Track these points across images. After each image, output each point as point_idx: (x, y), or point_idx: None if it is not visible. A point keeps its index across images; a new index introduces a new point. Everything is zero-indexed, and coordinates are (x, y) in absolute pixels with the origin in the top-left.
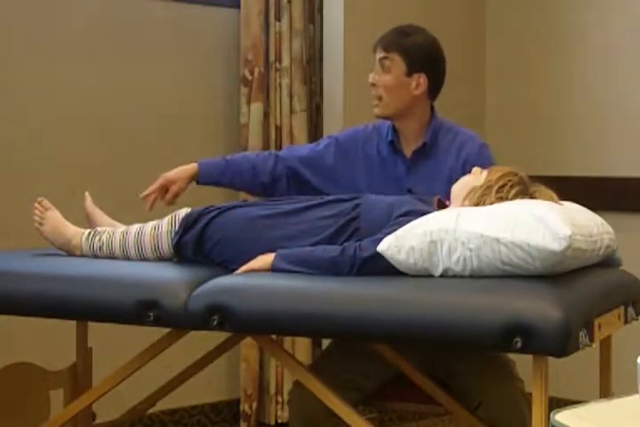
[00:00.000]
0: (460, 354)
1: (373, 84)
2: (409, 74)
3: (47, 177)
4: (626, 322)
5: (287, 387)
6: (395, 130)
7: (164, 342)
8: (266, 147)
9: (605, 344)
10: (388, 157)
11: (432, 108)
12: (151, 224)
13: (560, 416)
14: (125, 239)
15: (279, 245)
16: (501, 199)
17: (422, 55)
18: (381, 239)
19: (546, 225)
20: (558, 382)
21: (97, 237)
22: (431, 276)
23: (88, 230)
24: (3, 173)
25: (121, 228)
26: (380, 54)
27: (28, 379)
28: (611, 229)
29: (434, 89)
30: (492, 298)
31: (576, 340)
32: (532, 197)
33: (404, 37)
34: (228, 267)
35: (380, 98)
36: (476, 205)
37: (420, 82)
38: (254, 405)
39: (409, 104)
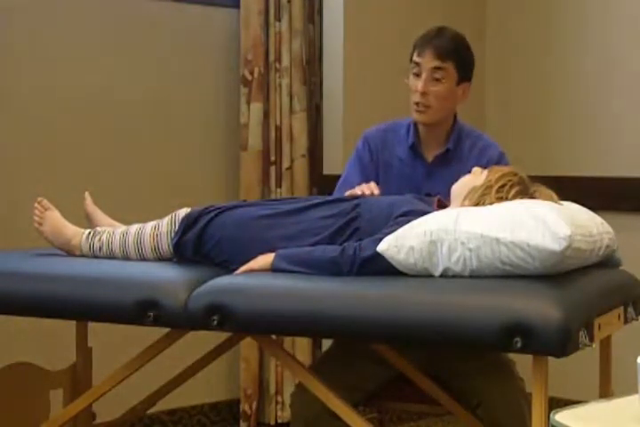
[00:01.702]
0: (460, 353)
1: (424, 93)
2: (458, 83)
3: (47, 177)
4: (626, 322)
5: (287, 387)
6: (416, 133)
7: (164, 342)
8: (265, 147)
9: (605, 344)
10: (407, 160)
11: (454, 114)
12: (151, 224)
13: (560, 416)
14: (125, 239)
15: (279, 245)
16: (501, 199)
17: (470, 63)
18: (381, 239)
19: (546, 225)
20: (558, 381)
21: (97, 237)
22: (431, 276)
23: (88, 230)
24: (3, 173)
25: (121, 228)
26: (432, 63)
27: (28, 379)
28: (610, 229)
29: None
30: (492, 298)
31: (576, 340)
32: (531, 196)
33: (456, 45)
34: (228, 267)
35: (428, 106)
36: (476, 204)
37: (465, 90)
38: (254, 405)
39: (452, 112)
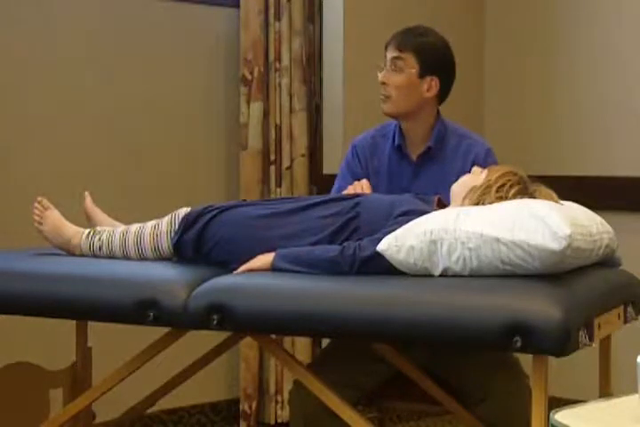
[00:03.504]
0: (462, 350)
1: (383, 83)
2: (421, 75)
3: (47, 177)
4: (625, 322)
5: (287, 386)
6: (401, 133)
7: (164, 341)
8: (265, 146)
9: (605, 344)
10: (395, 161)
11: (437, 112)
12: (151, 224)
13: (560, 416)
14: (125, 239)
15: (279, 245)
16: (501, 199)
17: (436, 58)
18: (381, 239)
19: (545, 224)
20: (558, 381)
21: (97, 237)
22: (431, 275)
23: (88, 230)
24: (3, 173)
25: (121, 227)
26: (392, 53)
27: (28, 378)
28: (610, 229)
29: (443, 93)
30: (492, 297)
31: (576, 339)
32: (531, 196)
33: (418, 38)
34: (228, 266)
35: (388, 97)
36: (476, 204)
37: (431, 85)
38: (254, 404)
39: (418, 106)
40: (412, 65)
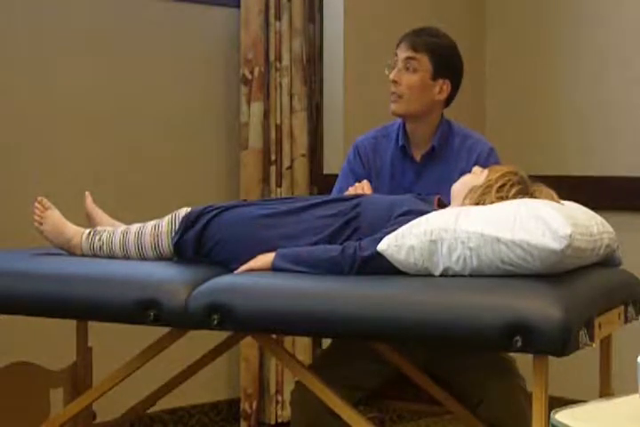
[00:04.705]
0: (460, 352)
1: (395, 82)
2: (434, 78)
3: (47, 177)
4: (626, 321)
5: (287, 386)
6: (405, 134)
7: (164, 341)
8: (266, 146)
9: (605, 344)
10: (398, 162)
11: (441, 113)
12: (151, 224)
13: (560, 416)
14: (125, 239)
15: (279, 245)
16: (501, 198)
17: (449, 61)
18: (381, 239)
19: (546, 224)
20: (558, 381)
21: (97, 237)
22: (431, 275)
23: (88, 230)
24: (3, 173)
25: (121, 227)
26: (406, 53)
27: (29, 378)
28: (611, 229)
29: (452, 96)
30: (493, 297)
31: (576, 339)
32: (532, 196)
33: (432, 38)
34: (228, 266)
35: (400, 96)
36: (477, 204)
37: (443, 88)
38: (254, 404)
39: (428, 108)
40: (426, 66)
